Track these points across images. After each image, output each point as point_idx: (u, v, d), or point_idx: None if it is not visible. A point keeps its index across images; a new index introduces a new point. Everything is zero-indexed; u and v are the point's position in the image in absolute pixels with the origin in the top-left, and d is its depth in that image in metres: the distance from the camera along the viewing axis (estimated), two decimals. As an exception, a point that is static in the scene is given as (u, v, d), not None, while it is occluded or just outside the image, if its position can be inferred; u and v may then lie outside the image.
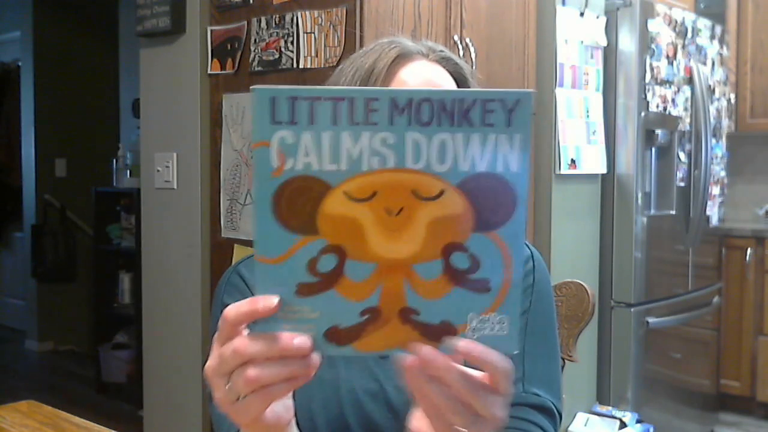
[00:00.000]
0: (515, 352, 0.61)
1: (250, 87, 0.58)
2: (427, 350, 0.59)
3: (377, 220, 0.58)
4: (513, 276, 0.60)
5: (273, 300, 0.58)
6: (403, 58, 0.94)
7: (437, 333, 0.60)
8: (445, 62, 0.97)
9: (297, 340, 0.58)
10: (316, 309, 0.59)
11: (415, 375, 0.59)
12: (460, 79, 0.98)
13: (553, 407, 0.95)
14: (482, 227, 0.59)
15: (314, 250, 0.58)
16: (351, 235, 0.58)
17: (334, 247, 0.59)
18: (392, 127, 0.57)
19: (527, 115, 0.57)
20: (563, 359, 1.36)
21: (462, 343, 0.59)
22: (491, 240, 0.59)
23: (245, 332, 0.60)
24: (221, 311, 1.00)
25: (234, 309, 0.59)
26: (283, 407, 0.66)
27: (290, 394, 0.66)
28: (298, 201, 0.58)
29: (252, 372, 0.58)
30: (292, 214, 0.58)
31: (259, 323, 0.59)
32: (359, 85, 0.93)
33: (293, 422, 0.70)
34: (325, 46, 2.11)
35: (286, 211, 0.58)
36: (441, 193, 0.58)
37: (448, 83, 0.96)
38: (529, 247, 1.04)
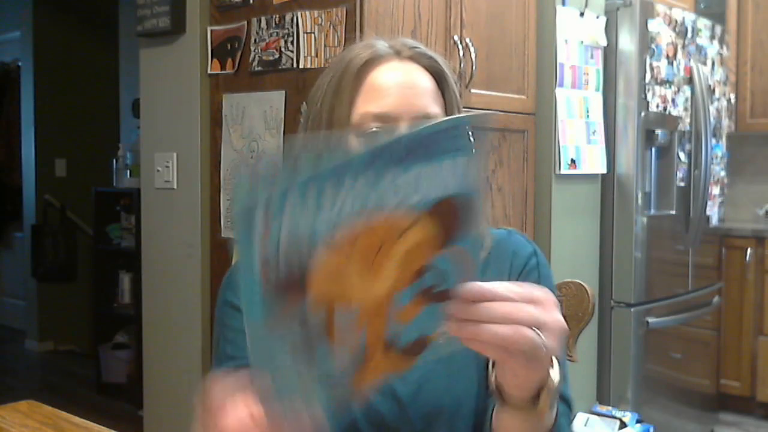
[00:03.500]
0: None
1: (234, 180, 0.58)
2: (469, 286, 0.62)
3: (359, 264, 0.58)
4: (472, 273, 0.63)
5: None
6: (372, 62, 0.94)
7: (416, 348, 0.63)
8: (418, 58, 0.96)
9: None
10: (312, 365, 0.59)
11: (464, 322, 0.61)
12: (436, 73, 0.97)
13: (569, 397, 0.95)
14: (449, 244, 0.60)
15: (304, 307, 0.57)
16: (337, 285, 0.58)
17: (322, 301, 0.58)
18: (370, 169, 0.56)
19: (484, 134, 0.61)
20: (563, 359, 1.36)
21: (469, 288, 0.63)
22: (456, 254, 0.61)
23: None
24: (223, 311, 1.01)
25: (237, 421, 0.64)
26: None
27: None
28: (285, 263, 0.56)
29: None
30: (280, 276, 0.56)
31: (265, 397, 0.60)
32: (333, 93, 0.93)
33: None
34: (325, 46, 2.11)
35: (274, 274, 0.56)
36: (416, 222, 0.59)
37: (421, 79, 0.95)
38: (530, 244, 1.05)
